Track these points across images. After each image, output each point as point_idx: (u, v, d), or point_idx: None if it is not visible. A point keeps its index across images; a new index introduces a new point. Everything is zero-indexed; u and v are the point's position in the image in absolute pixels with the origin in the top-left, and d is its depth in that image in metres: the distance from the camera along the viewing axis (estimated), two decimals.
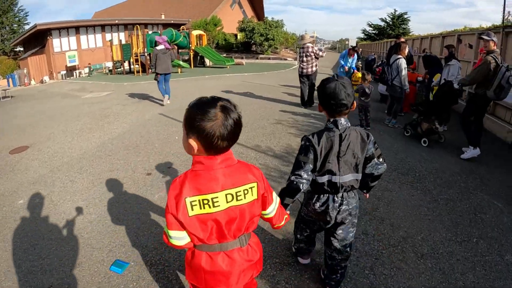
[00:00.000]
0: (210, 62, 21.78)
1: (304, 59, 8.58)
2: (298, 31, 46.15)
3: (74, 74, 21.40)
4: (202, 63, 22.89)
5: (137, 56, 18.99)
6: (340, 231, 2.36)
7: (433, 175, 4.68)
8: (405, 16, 50.31)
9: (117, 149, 5.74)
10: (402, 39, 8.63)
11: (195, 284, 1.67)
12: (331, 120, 2.16)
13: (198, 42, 22.78)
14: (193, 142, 1.44)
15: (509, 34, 7.48)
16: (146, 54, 18.80)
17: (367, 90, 6.73)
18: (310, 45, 8.71)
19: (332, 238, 2.40)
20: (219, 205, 1.47)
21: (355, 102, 2.16)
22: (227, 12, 35.17)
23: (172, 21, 29.18)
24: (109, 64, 22.79)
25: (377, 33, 51.35)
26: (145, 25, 28.70)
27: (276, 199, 1.78)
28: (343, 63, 10.97)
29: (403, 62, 6.80)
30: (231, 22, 30.80)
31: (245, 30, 28.15)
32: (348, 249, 2.41)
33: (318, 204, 2.27)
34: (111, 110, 8.52)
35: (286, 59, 27.70)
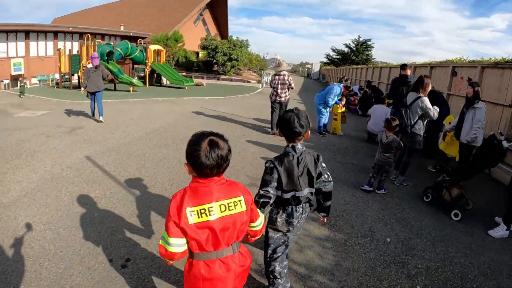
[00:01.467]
0: (168, 81, 20.08)
1: (279, 86, 8.58)
2: (262, 53, 45.43)
3: (18, 83, 18.73)
4: (159, 82, 21.13)
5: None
6: (295, 234, 2.79)
7: None
8: (369, 43, 51.10)
9: None
10: (425, 76, 5.63)
11: None
12: (290, 145, 2.54)
13: (156, 58, 21.07)
14: (186, 167, 1.78)
15: None
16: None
17: (391, 141, 5.10)
18: (286, 73, 8.76)
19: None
20: (214, 214, 1.74)
21: (309, 130, 2.57)
22: (190, 29, 33.73)
23: (131, 34, 27.23)
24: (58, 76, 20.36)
25: (341, 59, 51.88)
26: (102, 36, 26.74)
27: (262, 215, 2.19)
28: (331, 102, 9.20)
29: (427, 103, 5.31)
30: (193, 39, 29.33)
31: (207, 48, 26.73)
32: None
33: (284, 215, 2.61)
34: (29, 145, 6.61)
35: (249, 82, 26.52)
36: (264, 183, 2.45)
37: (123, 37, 26.68)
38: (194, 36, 29.91)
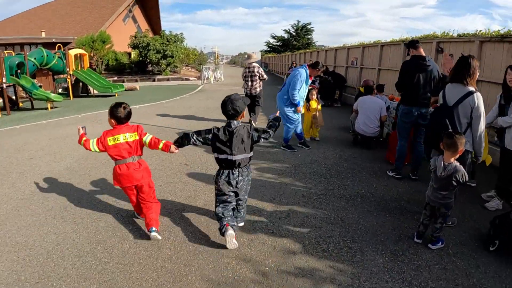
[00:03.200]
0: (94, 90, 17.91)
1: (250, 79, 8.82)
2: (199, 47, 43.43)
3: None
4: (86, 92, 18.91)
5: None
6: (243, 192, 3.52)
7: None
8: (309, 27, 50.67)
9: None
10: (470, 57, 3.72)
11: (115, 184, 3.70)
12: (228, 122, 3.33)
13: (79, 64, 18.78)
14: (112, 120, 3.52)
15: None
16: (4, 84, 14.34)
17: (452, 173, 3.21)
18: (256, 65, 8.90)
19: (238, 197, 3.54)
20: (119, 140, 3.49)
21: (244, 112, 3.38)
22: (119, 28, 31.05)
23: (53, 40, 24.36)
24: None
25: (281, 45, 51.07)
26: (21, 45, 23.88)
27: (148, 134, 3.67)
28: (298, 96, 6.59)
29: (481, 102, 3.57)
30: (124, 39, 26.83)
31: (138, 46, 24.55)
32: (246, 197, 3.65)
33: (223, 176, 3.40)
34: None
35: (188, 79, 24.77)
36: (198, 132, 3.42)
37: (45, 45, 23.91)
38: (124, 36, 27.43)
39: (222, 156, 3.32)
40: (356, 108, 7.32)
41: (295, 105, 6.68)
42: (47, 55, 16.65)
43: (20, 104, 15.86)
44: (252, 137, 3.36)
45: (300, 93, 6.63)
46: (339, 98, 13.97)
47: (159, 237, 3.50)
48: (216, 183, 3.46)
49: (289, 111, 6.74)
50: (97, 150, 3.52)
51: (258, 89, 8.99)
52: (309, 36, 50.85)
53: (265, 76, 8.98)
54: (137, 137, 3.54)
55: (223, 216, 3.39)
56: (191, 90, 19.33)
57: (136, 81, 23.77)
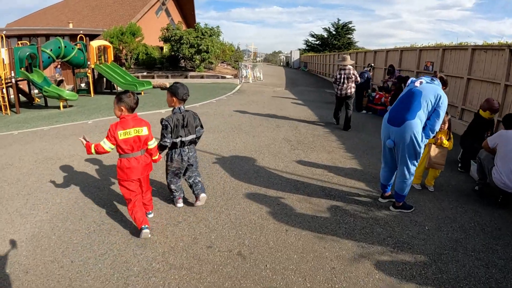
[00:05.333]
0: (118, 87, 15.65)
1: (345, 81, 8.61)
2: (235, 43, 40.74)
3: None
4: (110, 88, 16.72)
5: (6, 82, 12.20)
6: (193, 167, 4.06)
7: None
8: (350, 26, 47.46)
9: None
10: None
11: (120, 177, 3.50)
12: (177, 107, 3.81)
13: (103, 57, 16.63)
14: (123, 107, 3.40)
15: None
16: (13, 79, 12.24)
17: None
18: (351, 67, 8.76)
19: (190, 171, 4.07)
20: (131, 134, 3.39)
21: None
22: (151, 21, 29.05)
23: (81, 32, 22.43)
24: None
25: (321, 44, 48.14)
26: (46, 37, 22.15)
27: (155, 140, 3.68)
28: (438, 125, 3.98)
29: None
30: (156, 33, 24.65)
31: (170, 40, 22.22)
32: (198, 170, 4.18)
33: (176, 155, 3.87)
34: None
35: (224, 77, 22.20)
36: (163, 136, 3.76)
37: (72, 36, 22.16)
38: (156, 29, 25.28)
39: (177, 140, 3.81)
40: (493, 146, 4.55)
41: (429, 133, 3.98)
42: (65, 47, 14.45)
43: (37, 100, 13.80)
44: (195, 120, 3.99)
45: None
46: None
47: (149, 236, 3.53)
48: (170, 162, 3.94)
49: (423, 147, 3.95)
50: (113, 147, 3.41)
51: (352, 90, 8.79)
52: (349, 36, 47.80)
53: (358, 79, 8.92)
54: (147, 132, 3.54)
55: (175, 191, 4.15)
56: (228, 90, 16.72)
57: (167, 77, 21.44)
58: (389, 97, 11.30)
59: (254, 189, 4.66)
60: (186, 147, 3.89)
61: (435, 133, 3.94)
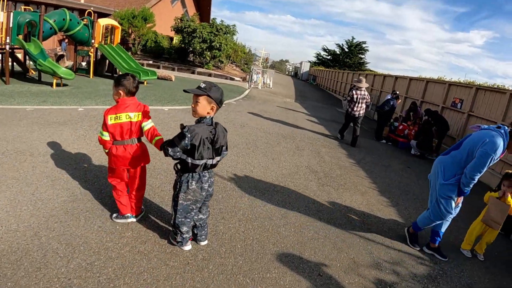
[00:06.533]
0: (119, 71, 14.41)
1: (360, 101, 8.97)
2: (247, 46, 39.43)
3: None
4: (112, 71, 15.47)
5: None
6: (208, 199, 3.02)
7: None
8: (364, 46, 46.73)
9: None
10: None
11: (109, 163, 3.20)
12: (211, 116, 2.75)
13: (110, 37, 15.40)
14: (121, 91, 3.06)
15: None
16: (7, 45, 10.96)
17: None
18: (365, 89, 9.19)
19: (202, 207, 3.02)
20: (122, 119, 3.03)
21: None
22: (166, 10, 27.86)
23: (92, 8, 21.16)
24: None
25: (332, 59, 47.35)
26: (56, 7, 20.89)
27: (151, 121, 3.19)
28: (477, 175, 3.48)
29: None
30: (168, 22, 23.51)
31: (182, 31, 21.01)
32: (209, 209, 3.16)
33: (194, 182, 2.78)
34: None
35: (233, 79, 21.06)
36: (173, 144, 2.65)
37: (81, 11, 20.88)
38: (169, 19, 24.12)
39: (201, 162, 2.73)
40: None
41: (459, 191, 3.58)
42: (70, 20, 13.14)
43: (31, 72, 12.47)
44: (225, 137, 2.91)
45: None
46: (436, 149, 10.00)
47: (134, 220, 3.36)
48: (183, 194, 2.84)
49: (448, 194, 3.63)
50: (108, 137, 3.11)
51: (363, 111, 9.17)
52: (362, 56, 47.13)
53: (369, 100, 9.69)
54: (140, 118, 3.14)
55: (185, 233, 3.00)
56: (236, 94, 15.56)
57: (173, 69, 20.26)
58: (413, 130, 10.36)
59: (285, 245, 3.47)
60: (207, 172, 2.88)
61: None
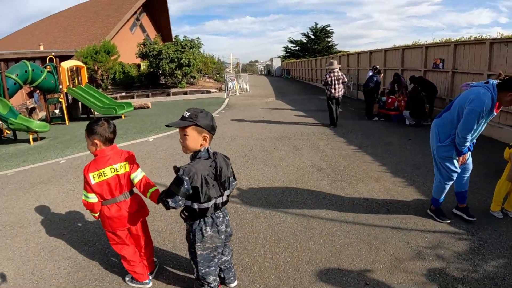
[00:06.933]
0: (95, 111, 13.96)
1: (335, 82, 9.36)
2: (215, 55, 39.07)
3: None
4: (86, 113, 15.01)
5: None
6: (228, 241, 2.65)
7: None
8: (328, 29, 46.92)
9: None
10: None
11: (105, 228, 2.73)
12: (203, 148, 2.34)
13: (77, 79, 14.94)
14: (97, 141, 2.58)
15: None
16: None
17: None
18: (339, 71, 9.55)
19: (224, 248, 2.62)
20: (107, 175, 2.57)
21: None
22: (126, 38, 27.40)
23: (53, 53, 20.62)
24: None
25: (300, 49, 47.40)
26: (16, 61, 20.34)
27: (140, 170, 2.75)
28: (469, 139, 3.45)
29: None
30: (132, 50, 23.01)
31: (148, 56, 20.60)
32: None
33: (209, 228, 2.37)
34: None
35: (209, 91, 20.71)
36: (171, 194, 2.25)
37: (43, 59, 20.34)
38: (132, 46, 23.65)
39: (210, 203, 2.34)
40: None
41: (458, 151, 3.54)
42: (33, 70, 12.69)
43: (6, 133, 11.92)
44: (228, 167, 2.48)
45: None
46: (429, 114, 9.86)
47: None
48: (200, 244, 2.42)
49: (446, 155, 3.64)
50: (96, 199, 2.63)
51: (341, 92, 9.57)
52: (329, 39, 47.33)
53: (346, 79, 9.77)
54: (127, 169, 2.68)
55: (214, 282, 2.57)
56: (217, 105, 15.24)
57: (148, 96, 19.84)
58: (402, 101, 10.22)
59: (320, 261, 3.16)
60: (220, 211, 2.46)
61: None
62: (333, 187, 4.90)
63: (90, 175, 2.54)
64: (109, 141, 2.63)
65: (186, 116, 2.27)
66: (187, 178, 2.19)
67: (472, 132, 3.33)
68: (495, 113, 3.34)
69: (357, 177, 5.27)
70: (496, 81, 3.30)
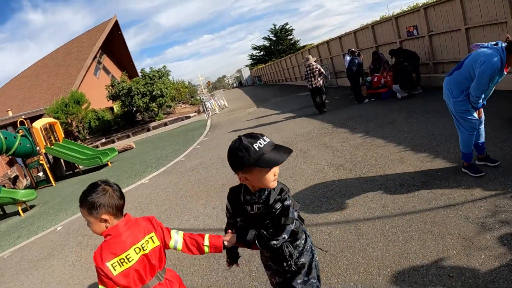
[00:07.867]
0: (80, 165, 13.35)
1: (312, 76, 10.22)
2: (184, 80, 38.72)
3: None
4: (70, 169, 14.36)
5: None
6: None
7: None
8: (287, 27, 47.33)
9: None
10: None
11: None
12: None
13: (53, 136, 14.28)
14: (106, 216, 1.82)
15: None
16: None
17: None
18: (314, 63, 10.34)
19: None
20: (133, 259, 1.79)
21: None
22: (92, 83, 26.83)
23: (22, 117, 19.91)
24: None
25: (266, 54, 47.61)
26: None
27: (177, 233, 2.04)
28: (481, 98, 3.74)
29: None
30: (101, 94, 22.53)
31: (119, 96, 20.07)
32: None
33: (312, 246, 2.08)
34: None
35: (188, 117, 20.26)
36: (285, 227, 1.83)
37: (14, 124, 19.60)
38: (100, 90, 23.16)
39: None
40: None
41: (473, 107, 3.81)
42: (6, 138, 12.03)
43: None
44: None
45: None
46: (417, 82, 9.69)
47: None
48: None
49: (463, 109, 3.83)
50: None
51: (320, 82, 10.23)
52: (290, 37, 47.69)
53: (322, 70, 10.39)
54: (158, 242, 1.92)
55: None
56: (202, 129, 14.78)
57: (128, 136, 19.28)
58: (387, 76, 10.06)
59: (390, 267, 2.77)
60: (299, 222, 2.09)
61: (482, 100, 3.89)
62: (361, 182, 4.50)
63: (108, 264, 1.78)
64: (120, 210, 1.92)
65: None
66: (289, 202, 1.86)
67: (484, 90, 3.61)
68: (505, 73, 3.55)
69: (380, 164, 4.90)
70: (506, 43, 3.47)
